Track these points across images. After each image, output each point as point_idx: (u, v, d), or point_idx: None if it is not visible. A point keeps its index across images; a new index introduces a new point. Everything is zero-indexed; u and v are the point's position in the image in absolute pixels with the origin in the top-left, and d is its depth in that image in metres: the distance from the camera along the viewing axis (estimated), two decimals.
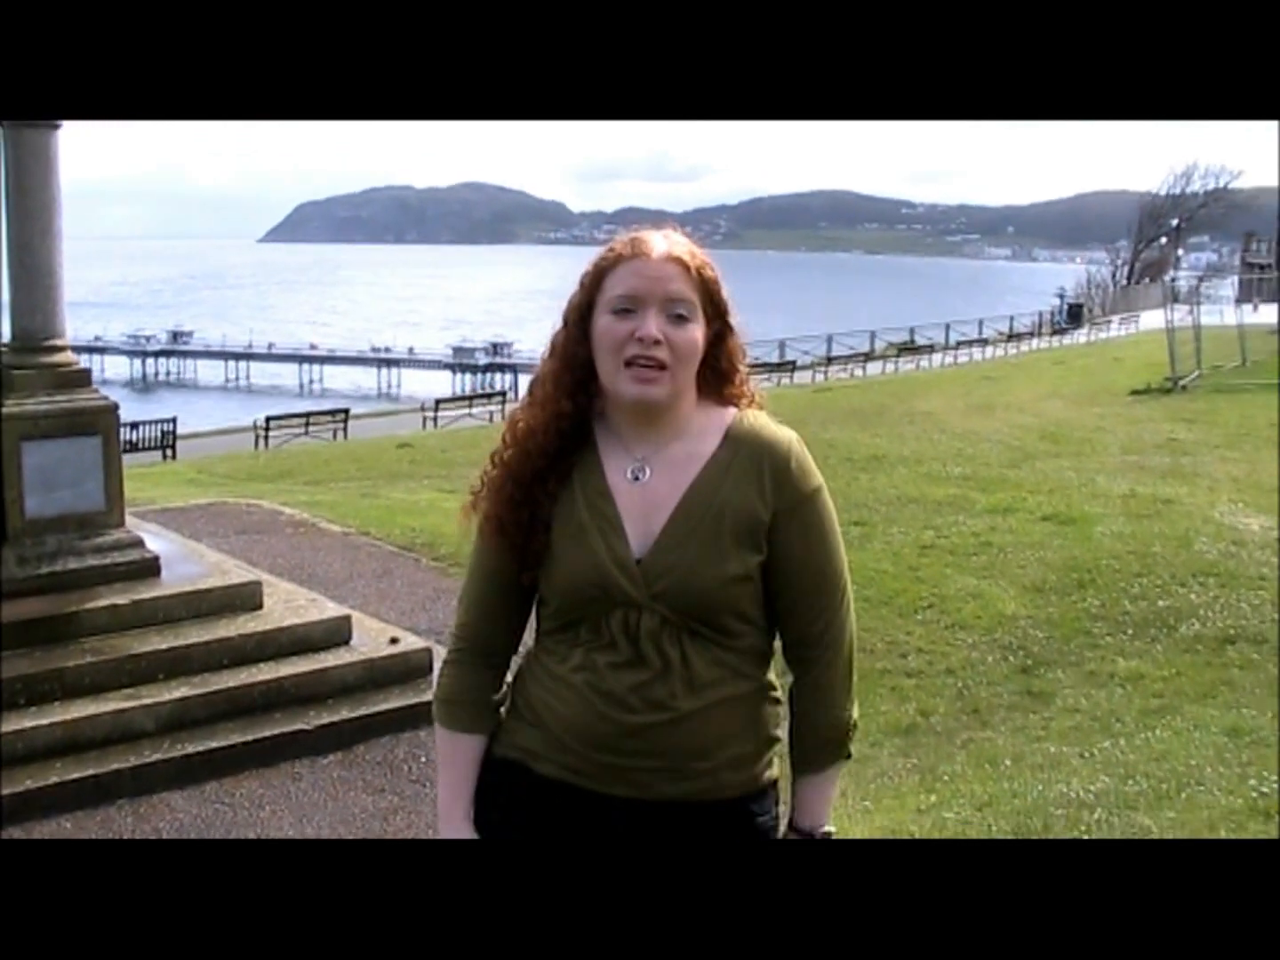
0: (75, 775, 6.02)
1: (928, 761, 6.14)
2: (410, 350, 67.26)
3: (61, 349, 7.31)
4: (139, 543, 7.38)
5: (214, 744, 6.37)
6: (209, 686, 6.65)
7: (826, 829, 2.50)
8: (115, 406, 7.38)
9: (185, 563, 7.73)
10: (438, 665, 5.86)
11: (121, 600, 6.98)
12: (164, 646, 6.79)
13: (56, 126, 7.06)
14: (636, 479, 2.39)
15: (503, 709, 2.52)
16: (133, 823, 5.85)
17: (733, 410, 2.46)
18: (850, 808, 5.52)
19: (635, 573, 2.33)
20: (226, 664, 6.84)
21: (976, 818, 5.09)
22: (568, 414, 2.41)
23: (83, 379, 7.38)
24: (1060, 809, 5.05)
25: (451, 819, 2.48)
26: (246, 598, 7.32)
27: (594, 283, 2.40)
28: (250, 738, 6.44)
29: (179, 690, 6.59)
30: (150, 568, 7.30)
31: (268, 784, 6.21)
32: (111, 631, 6.83)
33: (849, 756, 2.53)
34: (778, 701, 2.49)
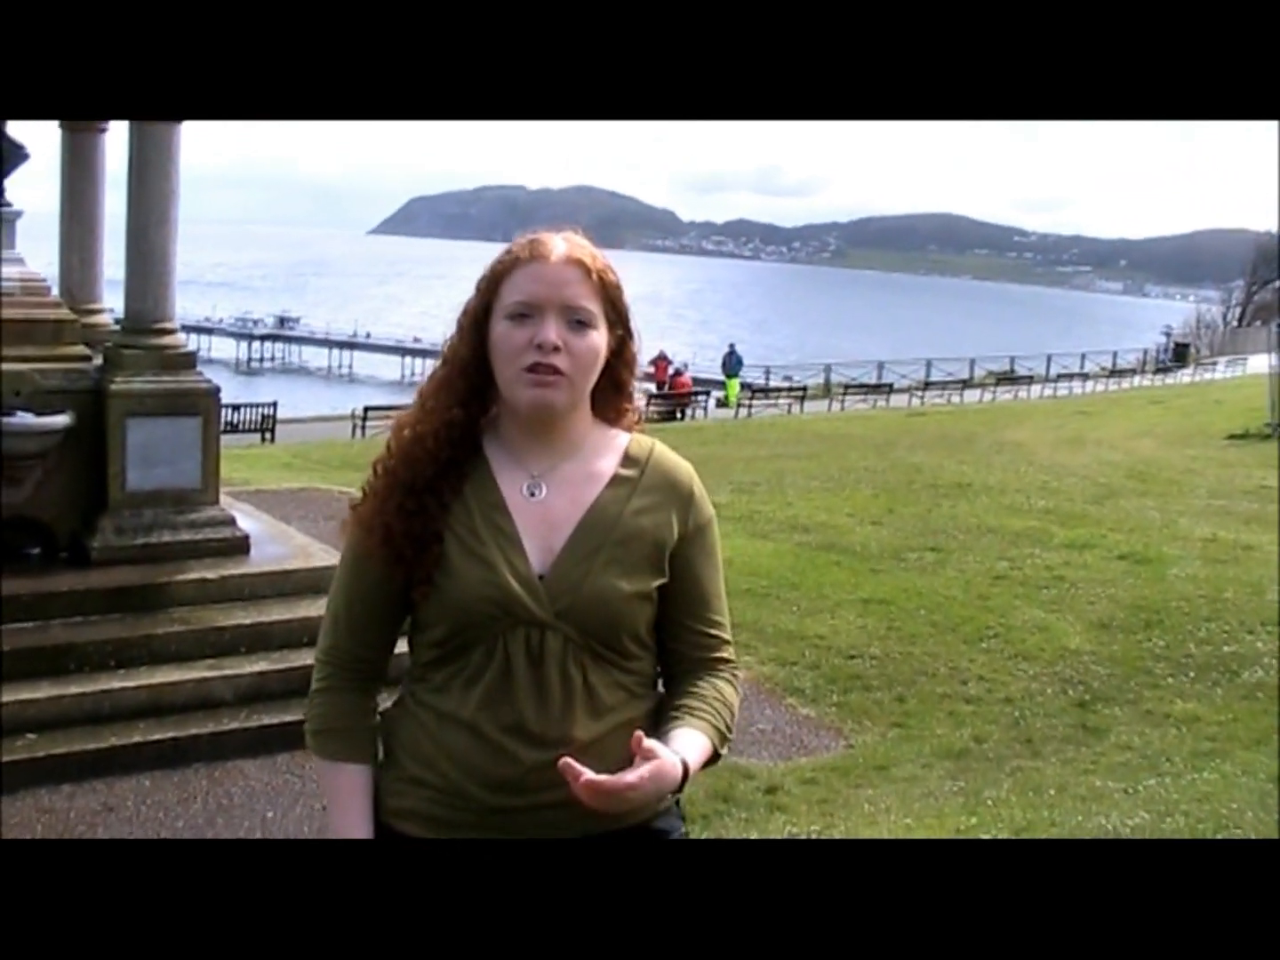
0: (156, 737, 6.35)
1: (974, 785, 6.27)
2: None
3: (170, 332, 7.67)
4: (231, 521, 7.71)
5: (288, 718, 6.64)
6: (287, 663, 6.94)
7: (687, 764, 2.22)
8: (217, 390, 7.72)
9: (273, 543, 8.06)
10: None
11: (210, 575, 7.32)
12: (247, 622, 7.11)
13: (179, 121, 7.39)
14: (533, 495, 2.29)
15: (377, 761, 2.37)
16: (206, 785, 6.14)
17: (624, 432, 2.40)
18: (892, 824, 5.68)
19: (539, 589, 2.22)
20: (305, 642, 7.10)
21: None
22: (459, 422, 2.30)
23: (188, 362, 7.73)
24: (1095, 839, 5.17)
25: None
26: (328, 580, 7.57)
27: (490, 287, 2.29)
28: None
29: (258, 664, 6.90)
30: (240, 546, 7.63)
31: None
32: (198, 604, 7.18)
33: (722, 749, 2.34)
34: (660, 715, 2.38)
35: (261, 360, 67.70)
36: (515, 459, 2.31)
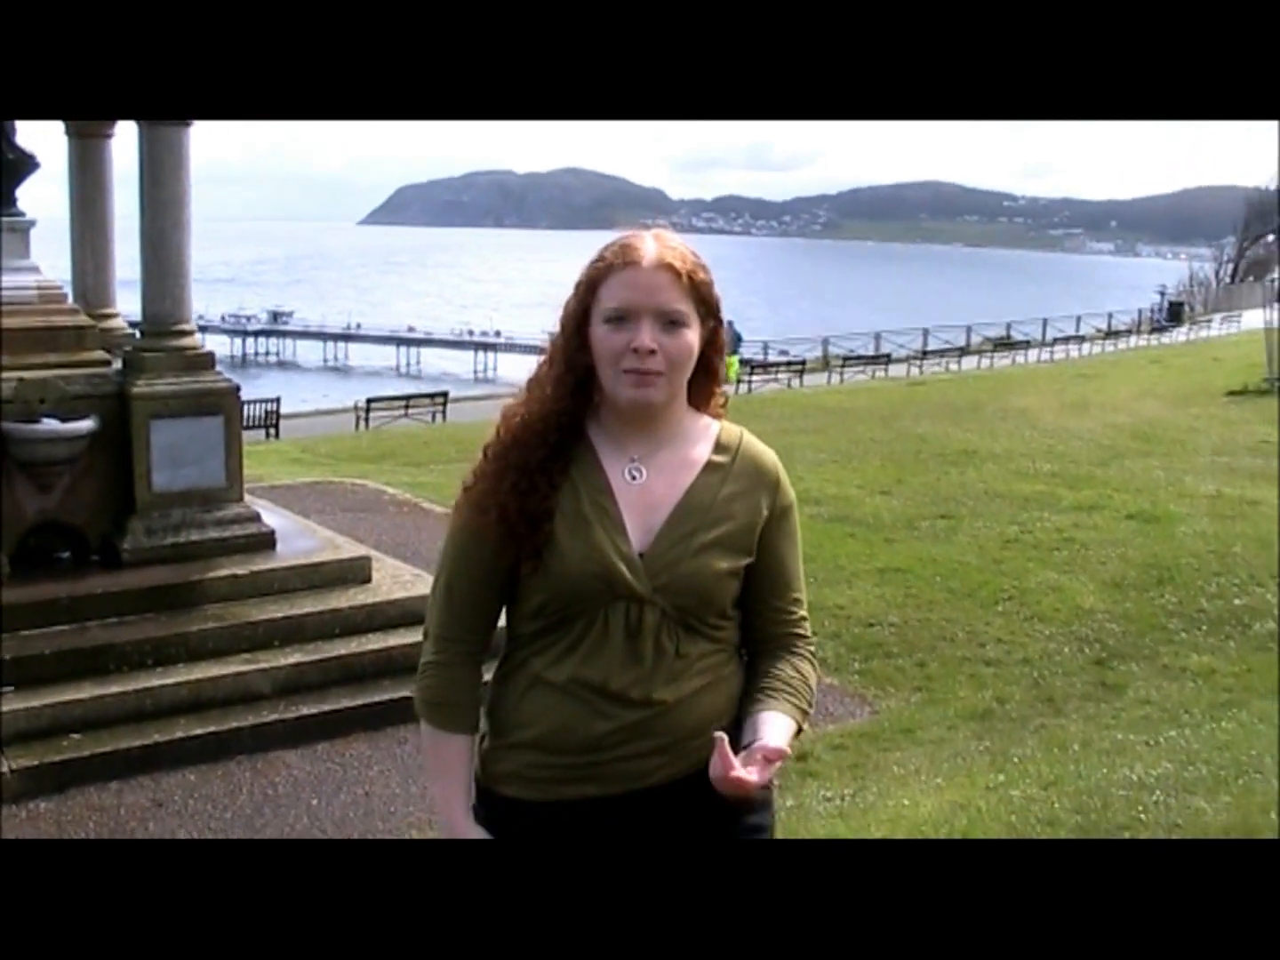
0: (198, 731, 6.49)
1: (1000, 745, 6.41)
2: (497, 333, 67.63)
3: (189, 333, 7.81)
4: (257, 517, 7.85)
5: (326, 707, 6.81)
6: (322, 654, 7.10)
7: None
8: (237, 389, 7.86)
9: (299, 537, 8.20)
10: None
11: (241, 571, 7.45)
12: (280, 615, 7.25)
13: (189, 124, 7.50)
14: (634, 479, 2.44)
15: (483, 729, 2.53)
16: (250, 777, 6.29)
17: (713, 420, 2.54)
18: (923, 784, 5.82)
19: (639, 566, 2.38)
20: (338, 633, 7.28)
21: (1041, 796, 5.36)
22: (567, 410, 2.44)
23: (207, 362, 7.86)
24: (1122, 790, 5.31)
25: (453, 818, 2.47)
26: (357, 571, 7.76)
27: (588, 291, 2.40)
28: (360, 703, 6.88)
29: (294, 656, 7.04)
30: (267, 541, 7.77)
31: (376, 746, 6.63)
32: (231, 600, 7.32)
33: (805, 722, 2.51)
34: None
35: (256, 356, 67.66)
36: (617, 445, 2.46)
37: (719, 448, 2.50)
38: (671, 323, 2.35)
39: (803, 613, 2.61)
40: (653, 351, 2.33)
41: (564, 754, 2.39)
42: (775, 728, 2.38)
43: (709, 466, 2.48)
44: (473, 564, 2.48)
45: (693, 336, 2.39)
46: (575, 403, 2.44)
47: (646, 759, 2.38)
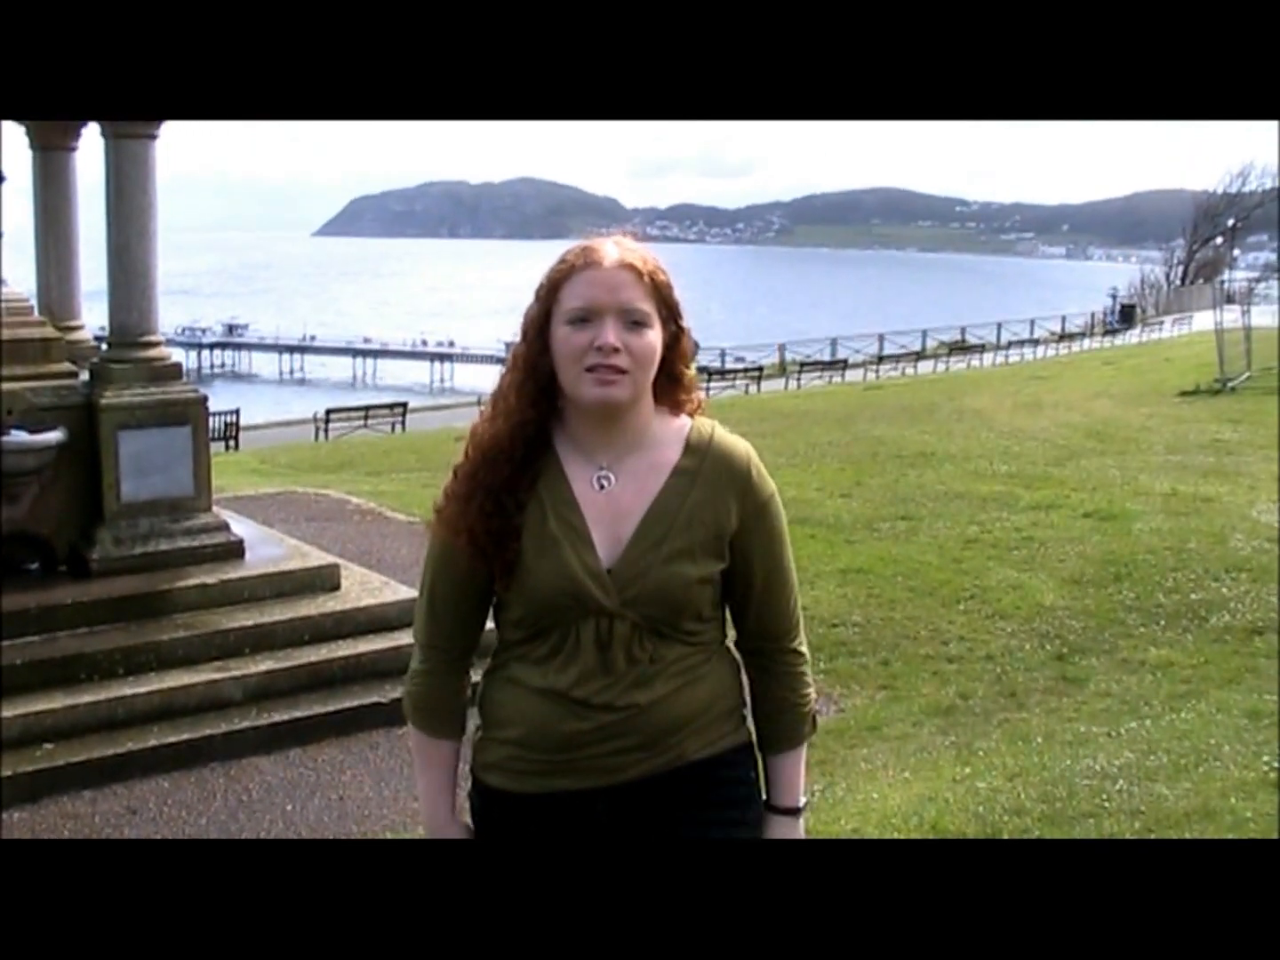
0: (171, 739, 6.52)
1: (965, 738, 6.52)
2: (450, 343, 67.56)
3: (156, 344, 7.84)
4: (225, 526, 7.89)
5: (298, 714, 6.85)
6: (292, 661, 7.14)
7: (804, 800, 2.62)
8: (205, 399, 7.90)
9: (266, 546, 8.24)
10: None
11: (210, 580, 7.49)
12: (250, 623, 7.29)
13: (155, 136, 7.55)
14: (603, 487, 2.44)
15: (474, 724, 2.60)
16: (224, 784, 6.32)
17: (687, 420, 2.53)
18: (891, 778, 5.93)
19: (607, 582, 2.38)
20: (308, 640, 7.32)
21: (1006, 787, 5.47)
22: (531, 421, 2.43)
23: (175, 372, 7.89)
24: (1086, 780, 5.43)
25: (437, 820, 2.60)
26: (325, 579, 7.80)
27: (549, 294, 2.41)
28: (331, 709, 6.93)
29: (264, 664, 7.08)
30: (236, 550, 7.81)
31: (348, 751, 6.68)
32: (201, 608, 7.35)
33: (815, 730, 2.63)
34: (738, 670, 2.58)
35: (212, 368, 67.33)
36: (584, 453, 2.46)
37: (689, 449, 2.48)
38: (635, 323, 2.36)
39: (792, 624, 2.59)
40: (617, 349, 2.33)
41: (542, 750, 2.43)
42: (791, 777, 2.58)
43: (677, 470, 2.46)
44: (449, 580, 2.54)
45: (655, 337, 2.39)
46: (539, 412, 2.44)
47: (624, 755, 2.41)
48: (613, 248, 2.41)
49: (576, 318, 2.36)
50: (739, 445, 2.53)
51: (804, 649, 2.61)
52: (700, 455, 2.48)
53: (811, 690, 2.61)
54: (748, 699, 2.60)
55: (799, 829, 2.59)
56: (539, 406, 2.45)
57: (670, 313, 2.44)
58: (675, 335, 2.47)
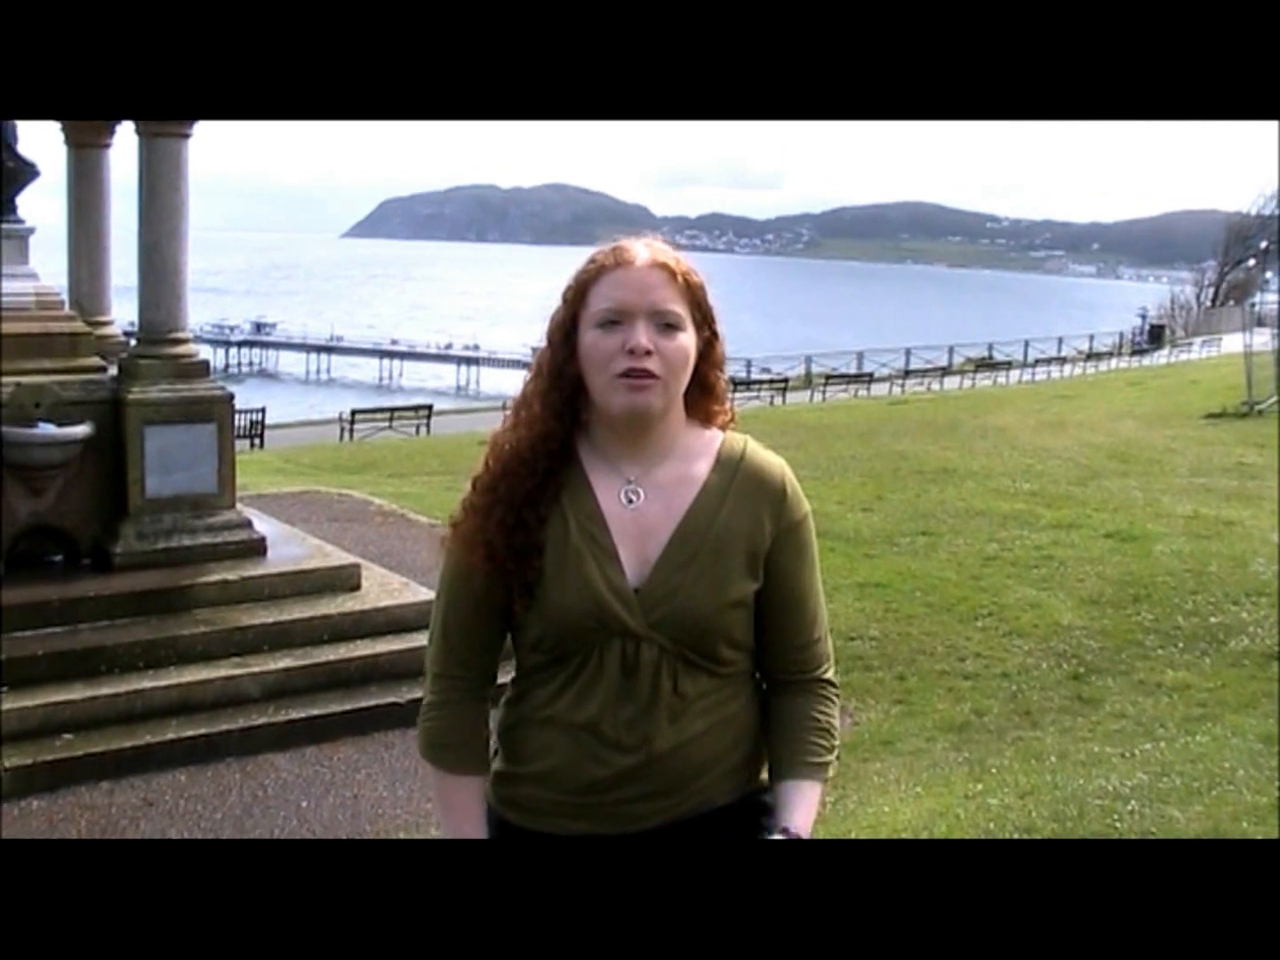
0: (189, 733, 6.59)
1: (978, 755, 6.53)
2: (475, 347, 67.69)
3: (183, 341, 7.92)
4: (248, 524, 7.95)
5: (314, 712, 6.91)
6: (310, 659, 7.20)
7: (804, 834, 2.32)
8: (230, 397, 7.97)
9: (288, 544, 8.30)
10: None
11: (231, 576, 7.55)
12: (269, 621, 7.35)
13: (188, 135, 7.62)
14: (630, 502, 2.31)
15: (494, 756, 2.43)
16: (240, 779, 6.38)
17: (718, 433, 2.40)
18: (903, 793, 5.94)
19: (634, 602, 2.25)
20: (327, 639, 7.38)
21: (1018, 804, 5.48)
22: (555, 433, 2.30)
23: (201, 370, 7.96)
24: (1097, 800, 5.43)
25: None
26: (345, 579, 7.86)
27: (577, 297, 2.28)
28: (348, 708, 6.98)
29: (283, 661, 7.14)
30: (257, 547, 7.87)
31: (363, 750, 6.73)
32: (221, 605, 7.42)
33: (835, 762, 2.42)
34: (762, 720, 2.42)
35: (240, 366, 67.58)
36: (611, 465, 2.33)
37: (719, 463, 2.35)
38: (667, 325, 2.24)
39: (822, 649, 2.42)
40: (649, 352, 2.20)
41: (559, 792, 2.31)
42: (801, 805, 2.30)
43: (708, 486, 2.32)
44: (465, 601, 2.36)
45: (688, 341, 2.27)
46: (563, 423, 2.31)
47: (647, 802, 2.28)
48: (644, 248, 2.29)
49: (606, 320, 2.23)
50: (773, 461, 2.40)
51: (834, 678, 2.45)
52: (732, 470, 2.34)
53: (836, 721, 2.42)
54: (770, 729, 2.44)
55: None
56: (563, 417, 2.32)
57: (704, 317, 2.32)
58: (708, 341, 2.34)
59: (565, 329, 2.30)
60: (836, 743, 2.39)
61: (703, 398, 2.38)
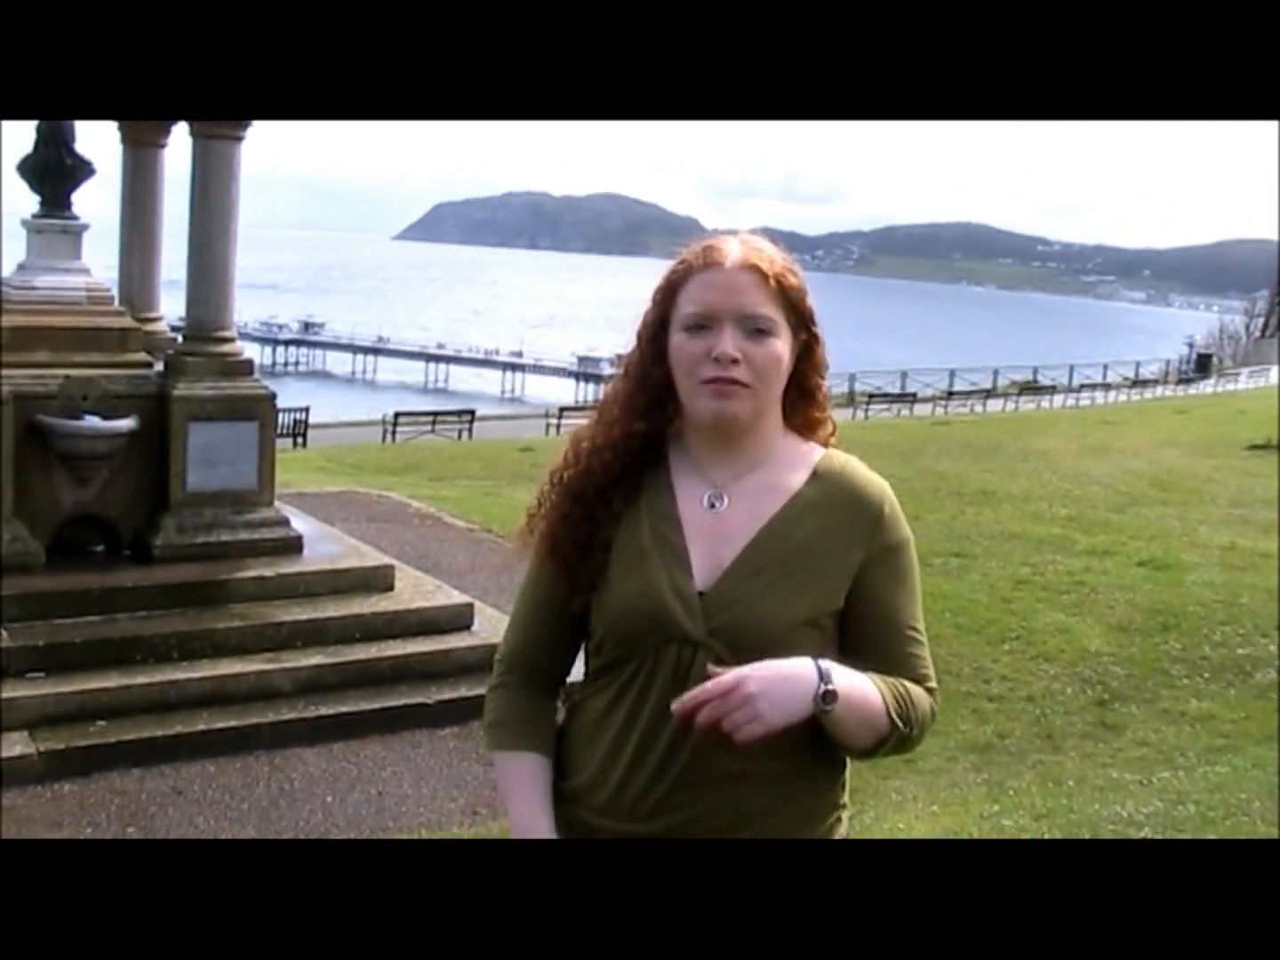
0: (219, 725, 6.70)
1: (997, 777, 6.58)
2: (519, 354, 67.84)
3: (230, 339, 8.05)
4: (285, 521, 8.07)
5: (344, 709, 7.01)
6: (342, 657, 7.31)
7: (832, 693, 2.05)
8: (273, 395, 8.09)
9: (324, 543, 8.42)
10: None
11: (268, 572, 7.67)
12: (303, 617, 7.47)
13: (241, 138, 7.76)
14: (714, 506, 2.20)
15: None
16: (268, 771, 6.48)
17: (819, 447, 2.29)
18: (919, 810, 5.99)
19: (695, 605, 2.13)
20: (359, 638, 7.48)
21: (1033, 826, 5.54)
22: (639, 434, 2.23)
23: (246, 368, 8.10)
24: (1111, 825, 5.48)
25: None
26: (380, 579, 7.97)
27: (666, 297, 2.20)
28: (377, 706, 7.08)
29: (315, 658, 7.25)
30: (294, 545, 7.99)
31: (390, 748, 6.83)
32: (257, 600, 7.53)
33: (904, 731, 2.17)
34: (842, 766, 2.26)
35: (286, 365, 68.04)
36: (699, 470, 2.24)
37: (816, 476, 2.23)
38: (757, 330, 2.13)
39: (922, 659, 2.23)
40: (735, 360, 2.10)
41: (594, 811, 2.21)
42: (852, 674, 2.08)
43: (797, 497, 2.20)
44: (536, 592, 2.34)
45: (780, 347, 2.15)
46: (649, 424, 2.24)
47: (692, 825, 2.14)
48: (736, 246, 2.18)
49: (692, 324, 2.15)
50: (874, 481, 2.26)
51: (938, 695, 2.25)
52: (826, 484, 2.22)
53: (920, 703, 2.18)
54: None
55: (792, 672, 2.04)
56: (650, 419, 2.24)
57: (800, 320, 2.21)
58: (807, 344, 2.24)
59: (653, 330, 2.23)
60: (914, 705, 2.16)
61: (802, 403, 2.29)
